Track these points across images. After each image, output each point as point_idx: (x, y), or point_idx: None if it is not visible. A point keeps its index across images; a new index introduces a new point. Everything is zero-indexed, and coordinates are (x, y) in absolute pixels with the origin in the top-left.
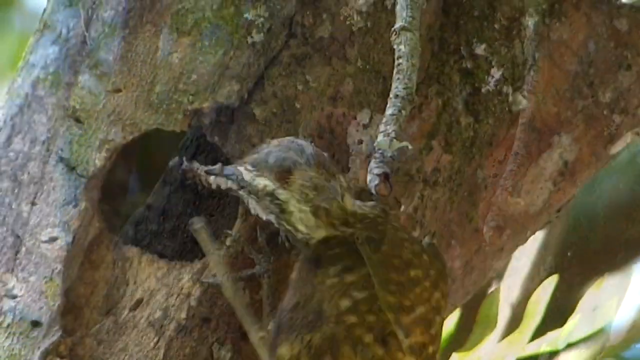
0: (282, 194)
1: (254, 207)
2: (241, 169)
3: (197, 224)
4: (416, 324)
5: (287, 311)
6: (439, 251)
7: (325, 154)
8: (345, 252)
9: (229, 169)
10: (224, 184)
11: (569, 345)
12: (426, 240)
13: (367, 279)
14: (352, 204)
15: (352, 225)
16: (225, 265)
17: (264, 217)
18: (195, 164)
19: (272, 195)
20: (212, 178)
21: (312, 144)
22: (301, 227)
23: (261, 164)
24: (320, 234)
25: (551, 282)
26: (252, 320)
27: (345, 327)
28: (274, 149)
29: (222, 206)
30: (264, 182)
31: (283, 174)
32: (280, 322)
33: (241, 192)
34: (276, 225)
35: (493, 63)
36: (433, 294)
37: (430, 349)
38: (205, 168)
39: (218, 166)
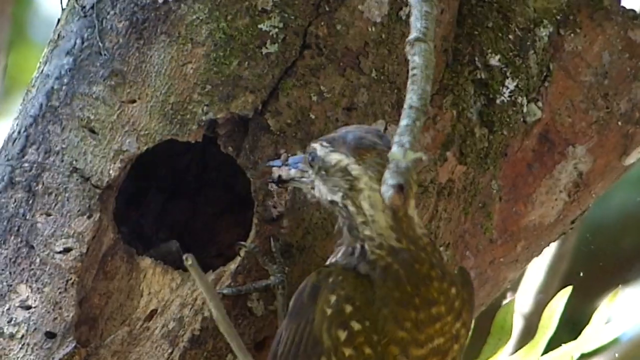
0: (355, 170)
1: (319, 188)
2: (316, 145)
3: (190, 260)
4: (432, 354)
5: (285, 340)
6: (468, 276)
7: None
8: (346, 280)
9: (294, 158)
10: (286, 173)
11: (583, 357)
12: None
13: (366, 310)
14: (413, 206)
15: (394, 242)
16: (220, 301)
17: (328, 198)
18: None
19: (344, 170)
20: (274, 169)
21: None
22: (367, 207)
23: (338, 140)
24: (382, 219)
25: (565, 294)
26: (246, 355)
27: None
28: (353, 129)
29: (218, 214)
30: (338, 157)
31: (360, 149)
32: (277, 351)
33: (304, 179)
34: (339, 206)
35: (507, 74)
36: (454, 325)
37: None
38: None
39: (283, 156)
